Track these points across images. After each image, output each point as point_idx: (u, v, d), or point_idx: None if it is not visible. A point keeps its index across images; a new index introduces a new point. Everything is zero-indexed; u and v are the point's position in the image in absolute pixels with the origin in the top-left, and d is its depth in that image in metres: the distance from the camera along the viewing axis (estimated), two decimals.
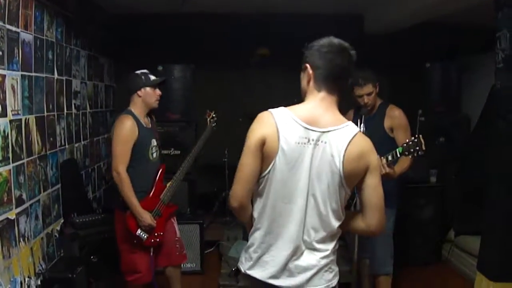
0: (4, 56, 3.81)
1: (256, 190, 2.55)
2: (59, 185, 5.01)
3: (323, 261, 2.54)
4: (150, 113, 4.49)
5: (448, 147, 5.82)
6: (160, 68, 6.17)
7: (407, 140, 3.98)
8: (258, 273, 2.57)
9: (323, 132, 2.41)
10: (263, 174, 2.48)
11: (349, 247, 4.94)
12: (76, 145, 5.77)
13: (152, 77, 4.37)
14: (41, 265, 4.45)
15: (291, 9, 6.65)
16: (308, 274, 2.52)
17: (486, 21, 3.91)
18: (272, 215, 2.52)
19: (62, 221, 5.04)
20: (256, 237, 2.60)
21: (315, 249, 2.53)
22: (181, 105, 6.33)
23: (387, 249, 4.55)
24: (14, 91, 3.99)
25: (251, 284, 2.63)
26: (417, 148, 3.92)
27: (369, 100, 4.46)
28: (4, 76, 3.81)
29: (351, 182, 2.47)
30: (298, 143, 2.40)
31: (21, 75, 4.16)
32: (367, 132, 4.24)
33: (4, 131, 3.80)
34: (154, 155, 4.34)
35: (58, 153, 5.06)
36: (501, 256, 3.69)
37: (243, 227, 6.30)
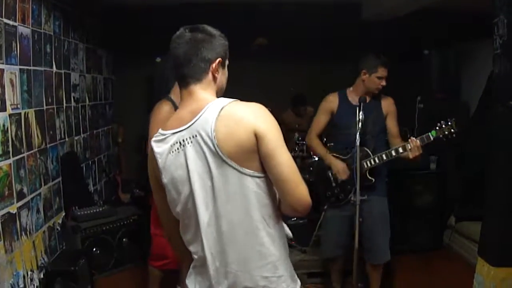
0: (2, 50, 3.81)
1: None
2: (59, 178, 5.03)
3: None
4: None
5: None
6: (158, 59, 6.16)
7: (440, 124, 4.04)
8: None
9: (188, 127, 2.13)
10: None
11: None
12: (76, 138, 5.78)
13: None
14: (43, 259, 4.47)
15: None
16: None
17: (485, 6, 3.89)
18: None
19: (64, 214, 5.06)
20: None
21: None
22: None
23: (384, 236, 4.56)
24: (13, 85, 4.00)
25: None
26: (452, 131, 3.98)
27: (384, 84, 4.46)
28: (2, 71, 3.81)
29: (242, 161, 2.08)
30: (171, 152, 2.16)
31: (20, 69, 4.16)
32: (370, 120, 4.27)
33: (3, 126, 3.81)
34: None
35: (58, 146, 5.07)
36: (502, 240, 3.69)
37: None
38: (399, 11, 6.40)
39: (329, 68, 4.74)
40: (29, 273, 4.14)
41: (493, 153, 3.83)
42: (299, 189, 2.11)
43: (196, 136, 2.10)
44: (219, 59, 2.23)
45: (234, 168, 2.08)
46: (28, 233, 4.19)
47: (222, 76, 2.31)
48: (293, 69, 7.62)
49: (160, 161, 2.17)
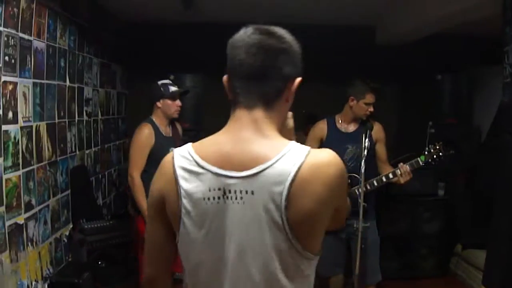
0: (16, 63, 3.88)
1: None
2: (68, 191, 5.07)
3: None
4: (174, 122, 4.66)
5: (458, 160, 5.81)
6: (171, 77, 6.21)
7: (428, 148, 4.10)
8: None
9: (246, 177, 1.54)
10: (176, 241, 1.70)
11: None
12: (87, 151, 5.83)
13: (173, 88, 4.49)
14: (48, 270, 4.50)
15: (302, 20, 6.69)
16: None
17: (498, 33, 3.92)
18: None
19: (71, 226, 5.09)
20: None
21: None
22: (191, 114, 6.35)
23: (377, 258, 4.58)
24: (25, 98, 4.06)
25: None
26: (441, 154, 4.03)
27: (372, 110, 4.48)
28: (15, 84, 3.88)
29: (308, 240, 1.59)
30: (208, 198, 1.57)
31: (33, 82, 4.23)
32: (360, 146, 4.27)
33: (15, 138, 3.86)
34: None
35: (68, 160, 5.12)
36: (506, 273, 3.68)
37: None
38: (413, 36, 6.43)
39: (342, 91, 4.77)
40: (33, 283, 4.17)
41: (499, 183, 3.83)
42: (343, 222, 1.88)
43: (253, 194, 1.53)
44: (299, 78, 1.72)
45: (297, 250, 1.56)
46: (34, 243, 4.22)
47: (291, 103, 1.75)
48: (305, 91, 7.65)
49: (185, 201, 1.59)
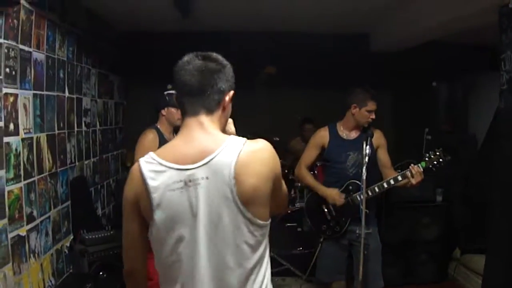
0: (16, 75, 3.90)
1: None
2: (69, 202, 5.08)
3: None
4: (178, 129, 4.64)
5: (455, 166, 5.84)
6: (169, 86, 6.21)
7: (428, 155, 4.14)
8: None
9: (199, 166, 2.01)
10: (149, 236, 2.13)
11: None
12: (86, 162, 5.83)
13: None
14: (50, 281, 4.50)
15: (298, 28, 6.73)
16: None
17: (494, 40, 3.95)
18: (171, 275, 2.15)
19: (72, 237, 5.09)
20: None
21: None
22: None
23: (379, 264, 4.61)
24: (26, 110, 4.08)
25: None
26: (441, 160, 4.07)
27: (374, 117, 4.52)
28: (16, 96, 3.90)
29: (257, 209, 2.06)
30: (173, 190, 2.01)
31: (33, 94, 4.25)
32: (361, 153, 4.30)
33: (16, 149, 3.88)
34: None
35: (68, 171, 5.13)
36: (505, 277, 3.70)
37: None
38: (407, 43, 6.47)
39: (337, 97, 4.81)
40: None
41: (496, 189, 3.86)
42: (286, 203, 2.51)
43: (208, 178, 2.00)
44: (232, 91, 2.17)
45: (247, 218, 2.03)
46: (36, 255, 4.22)
47: (228, 111, 2.22)
48: (300, 97, 7.68)
49: (154, 195, 2.01)
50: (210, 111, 2.12)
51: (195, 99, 2.10)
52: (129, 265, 2.24)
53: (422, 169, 4.19)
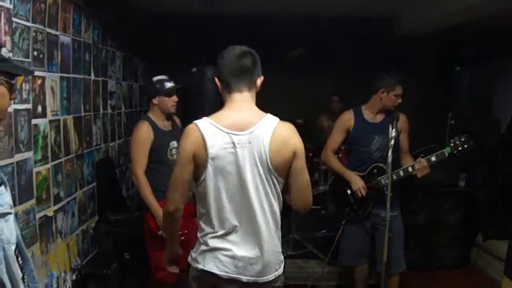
0: (44, 58, 3.94)
1: (198, 195, 2.82)
2: (94, 184, 5.15)
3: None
4: (171, 115, 4.63)
5: (478, 151, 5.81)
6: (194, 69, 6.22)
7: (453, 140, 4.13)
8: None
9: (245, 134, 2.65)
10: (200, 181, 2.72)
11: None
12: (111, 144, 5.91)
13: (168, 85, 4.45)
14: (76, 261, 4.58)
15: (322, 11, 6.70)
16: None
17: None
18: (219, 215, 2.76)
19: (97, 218, 5.17)
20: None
21: None
22: (214, 106, 6.35)
23: (402, 248, 4.63)
24: (53, 92, 4.13)
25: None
26: (466, 146, 4.07)
27: (400, 101, 4.51)
28: (44, 78, 3.94)
29: (281, 172, 2.73)
30: (225, 148, 2.64)
31: (60, 76, 4.29)
32: (386, 137, 4.30)
33: (44, 131, 3.93)
34: (175, 156, 4.42)
35: (94, 152, 5.20)
36: None
37: None
38: (431, 28, 6.41)
39: (360, 82, 4.80)
40: (62, 274, 4.25)
41: None
42: (310, 197, 2.89)
43: (251, 143, 2.64)
44: (262, 77, 2.81)
45: (275, 177, 2.71)
46: (63, 235, 4.30)
47: (257, 90, 2.85)
48: (323, 81, 7.67)
49: (211, 151, 2.63)
50: (250, 90, 2.77)
51: (241, 79, 2.73)
52: (174, 205, 2.78)
53: (447, 154, 4.19)
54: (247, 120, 2.68)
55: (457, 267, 6.16)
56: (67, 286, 4.35)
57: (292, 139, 2.72)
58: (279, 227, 2.84)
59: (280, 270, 2.86)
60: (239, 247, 2.73)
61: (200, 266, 2.79)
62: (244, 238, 2.74)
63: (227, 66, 2.74)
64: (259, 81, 2.80)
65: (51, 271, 4.03)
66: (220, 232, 2.75)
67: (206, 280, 2.79)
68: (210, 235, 2.77)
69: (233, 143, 2.64)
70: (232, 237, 2.74)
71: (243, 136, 2.64)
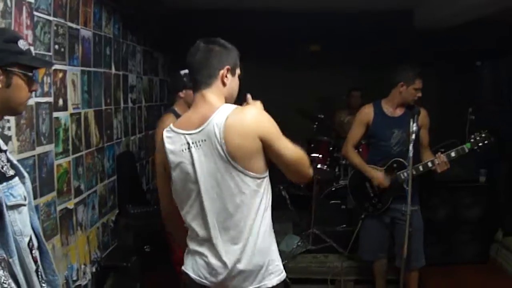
0: (65, 52, 3.98)
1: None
2: (115, 177, 5.19)
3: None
4: None
5: (499, 146, 5.76)
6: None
7: (474, 136, 4.10)
8: None
9: (198, 131, 2.42)
10: (172, 187, 2.60)
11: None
12: (132, 138, 5.94)
13: None
14: (96, 253, 4.62)
15: (341, 5, 6.67)
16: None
17: None
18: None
19: (117, 211, 5.21)
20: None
21: None
22: (236, 100, 6.34)
23: (421, 243, 4.60)
24: (74, 86, 4.17)
25: None
26: (486, 142, 4.04)
27: (420, 95, 4.48)
28: (65, 72, 3.98)
29: (251, 164, 2.41)
30: (182, 151, 2.46)
31: (81, 70, 4.33)
32: (406, 131, 4.29)
33: (65, 124, 3.97)
34: None
35: (114, 146, 5.24)
36: None
37: (292, 221, 6.40)
38: (452, 22, 6.36)
39: (380, 75, 4.79)
40: (82, 266, 4.29)
41: None
42: (303, 170, 2.56)
43: (205, 140, 2.41)
44: (227, 66, 2.54)
45: (241, 172, 2.40)
46: (83, 228, 4.34)
47: (233, 83, 2.62)
48: (342, 75, 7.65)
49: (171, 156, 2.50)
50: (207, 85, 2.52)
51: (199, 76, 2.54)
52: (166, 211, 2.77)
53: (467, 150, 4.17)
54: (202, 116, 2.45)
55: (476, 263, 6.09)
56: (87, 278, 4.39)
57: (251, 124, 2.39)
58: (262, 228, 2.50)
59: (268, 282, 2.53)
60: (212, 254, 2.49)
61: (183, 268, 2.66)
62: (211, 246, 2.49)
63: (188, 65, 2.60)
64: (222, 72, 2.52)
65: (71, 263, 4.07)
66: (195, 236, 2.57)
67: (184, 280, 2.66)
68: (189, 238, 2.64)
69: (188, 143, 2.44)
70: (205, 244, 2.52)
71: (196, 134, 2.42)
